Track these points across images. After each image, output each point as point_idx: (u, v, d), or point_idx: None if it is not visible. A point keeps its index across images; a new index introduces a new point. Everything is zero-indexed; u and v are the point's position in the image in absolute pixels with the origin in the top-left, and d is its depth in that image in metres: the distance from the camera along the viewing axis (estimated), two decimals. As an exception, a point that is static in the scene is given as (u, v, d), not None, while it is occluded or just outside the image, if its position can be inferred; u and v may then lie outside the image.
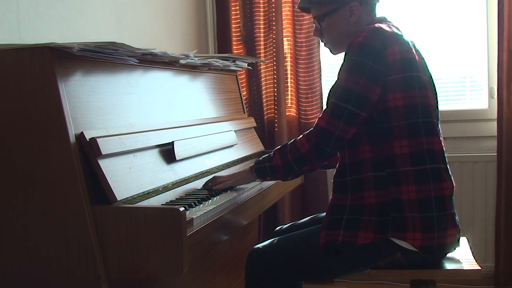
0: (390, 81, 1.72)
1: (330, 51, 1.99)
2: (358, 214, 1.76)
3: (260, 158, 1.92)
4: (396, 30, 1.81)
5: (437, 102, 1.86)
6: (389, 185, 1.74)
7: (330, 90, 1.79)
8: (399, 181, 1.73)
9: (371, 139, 1.76)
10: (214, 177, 2.02)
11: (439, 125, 1.84)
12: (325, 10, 1.90)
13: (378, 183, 1.75)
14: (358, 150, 1.77)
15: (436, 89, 1.87)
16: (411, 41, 1.85)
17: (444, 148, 1.82)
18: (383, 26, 1.78)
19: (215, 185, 1.97)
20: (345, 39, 1.86)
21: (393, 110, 1.73)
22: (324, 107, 1.81)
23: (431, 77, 1.86)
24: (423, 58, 1.86)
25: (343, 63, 1.78)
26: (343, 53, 1.82)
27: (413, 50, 1.81)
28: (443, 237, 1.74)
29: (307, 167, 1.83)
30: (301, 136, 1.81)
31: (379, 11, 1.93)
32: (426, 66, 1.86)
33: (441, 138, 1.82)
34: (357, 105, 1.71)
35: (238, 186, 2.04)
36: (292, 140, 1.83)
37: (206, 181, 2.00)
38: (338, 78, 1.77)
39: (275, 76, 3.25)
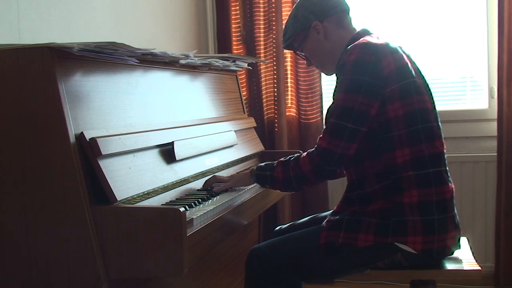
0: (387, 92, 1.72)
1: (324, 73, 2.04)
2: (359, 215, 1.76)
3: (263, 164, 1.91)
4: (382, 40, 1.80)
5: (434, 103, 1.85)
6: (393, 191, 1.74)
7: (328, 111, 1.79)
8: (402, 186, 1.73)
9: (372, 152, 1.76)
10: (213, 176, 2.02)
11: (440, 126, 1.84)
12: (298, 40, 1.95)
13: (383, 193, 1.75)
14: (364, 166, 1.78)
15: (432, 90, 1.86)
16: (399, 46, 1.84)
17: (444, 150, 1.82)
18: (371, 39, 1.78)
19: (213, 184, 1.98)
20: (329, 58, 1.93)
21: (393, 120, 1.73)
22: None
23: (424, 79, 1.85)
24: (414, 62, 1.86)
25: (337, 83, 1.78)
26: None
27: (404, 56, 1.81)
28: (444, 240, 1.74)
29: (306, 186, 1.83)
30: (304, 154, 1.79)
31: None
32: (418, 69, 1.86)
33: (443, 140, 1.82)
34: (357, 122, 1.70)
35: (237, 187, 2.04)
36: (296, 156, 1.82)
37: (206, 180, 2.00)
38: (334, 99, 1.77)
39: (275, 76, 3.25)
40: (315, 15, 1.89)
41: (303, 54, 1.99)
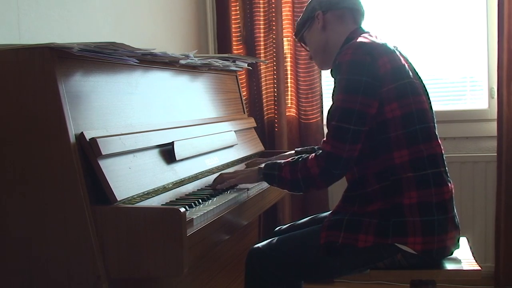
0: (384, 92, 1.72)
1: (318, 66, 2.07)
2: (359, 216, 1.76)
3: (270, 163, 1.89)
4: (378, 40, 1.80)
5: (431, 103, 1.85)
6: (393, 193, 1.74)
7: (328, 113, 1.78)
8: (402, 187, 1.73)
9: (371, 152, 1.75)
10: (220, 174, 2.01)
11: (436, 127, 1.84)
12: (303, 29, 2.00)
13: (383, 194, 1.75)
14: (364, 165, 1.77)
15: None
16: (395, 47, 1.84)
17: (443, 151, 1.82)
18: (366, 38, 1.78)
19: (219, 183, 1.96)
20: (322, 51, 1.96)
21: (391, 121, 1.73)
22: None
23: (421, 79, 1.85)
24: (410, 63, 1.86)
25: (335, 84, 1.77)
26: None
27: (400, 57, 1.81)
28: (443, 240, 1.74)
29: (314, 188, 1.80)
30: (312, 156, 1.76)
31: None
32: (415, 70, 1.86)
33: (439, 141, 1.82)
34: (358, 123, 1.70)
35: (238, 186, 2.04)
36: (304, 158, 1.79)
37: (214, 179, 1.99)
38: (334, 100, 1.76)
39: (275, 76, 3.25)
40: (321, 6, 1.94)
41: (305, 44, 2.04)
